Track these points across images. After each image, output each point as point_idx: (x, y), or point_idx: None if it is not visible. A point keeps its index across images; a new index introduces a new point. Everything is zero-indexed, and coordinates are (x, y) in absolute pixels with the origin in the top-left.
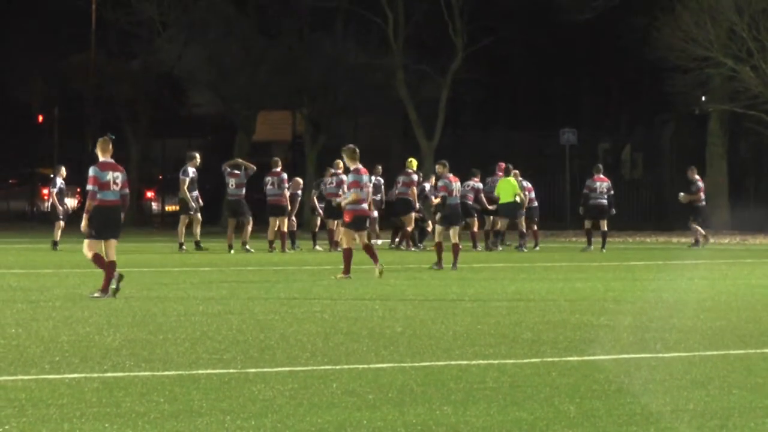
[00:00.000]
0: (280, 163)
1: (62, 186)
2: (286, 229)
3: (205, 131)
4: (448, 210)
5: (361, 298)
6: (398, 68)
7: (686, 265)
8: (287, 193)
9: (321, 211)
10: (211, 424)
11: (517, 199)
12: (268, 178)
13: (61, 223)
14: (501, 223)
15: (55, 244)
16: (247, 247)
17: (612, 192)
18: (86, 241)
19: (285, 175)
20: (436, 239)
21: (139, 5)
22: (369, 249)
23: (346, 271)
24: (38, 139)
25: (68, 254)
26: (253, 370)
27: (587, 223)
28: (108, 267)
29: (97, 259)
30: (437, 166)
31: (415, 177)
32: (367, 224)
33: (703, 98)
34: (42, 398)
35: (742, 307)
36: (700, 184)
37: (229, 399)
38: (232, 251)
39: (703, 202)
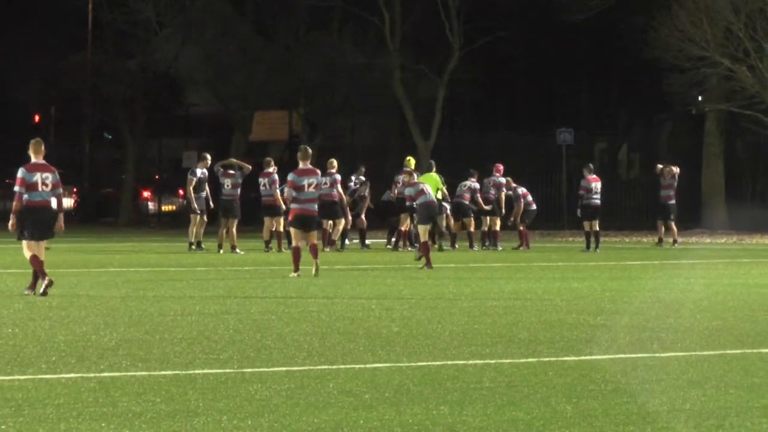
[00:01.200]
0: (272, 163)
1: None
2: (282, 229)
3: (202, 131)
4: (424, 208)
5: (357, 297)
6: (395, 68)
7: (683, 264)
8: (278, 194)
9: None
10: (208, 423)
11: (439, 195)
12: (261, 179)
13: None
14: (498, 224)
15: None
16: (237, 250)
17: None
18: (23, 242)
19: (276, 176)
20: (422, 239)
21: (136, 5)
22: (314, 248)
23: (296, 269)
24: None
25: (63, 254)
26: (249, 369)
27: (587, 225)
28: (41, 267)
29: (34, 259)
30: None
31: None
32: (313, 224)
33: (700, 98)
34: (39, 398)
35: (739, 306)
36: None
37: (225, 399)
38: (221, 251)
39: (673, 201)
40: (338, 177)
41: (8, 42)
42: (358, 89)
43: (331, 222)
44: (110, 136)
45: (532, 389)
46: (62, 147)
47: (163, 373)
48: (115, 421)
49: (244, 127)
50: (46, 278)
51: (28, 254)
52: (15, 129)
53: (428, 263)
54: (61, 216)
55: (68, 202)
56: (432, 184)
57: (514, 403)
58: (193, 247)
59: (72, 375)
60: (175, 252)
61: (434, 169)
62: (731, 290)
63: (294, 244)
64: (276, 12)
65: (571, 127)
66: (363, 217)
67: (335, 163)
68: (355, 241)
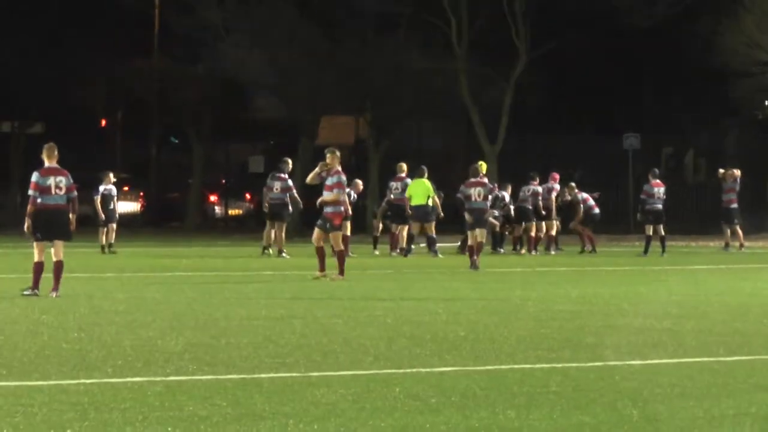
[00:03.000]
0: (404, 168)
1: (107, 192)
2: (348, 233)
3: (268, 136)
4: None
5: (424, 301)
6: (461, 72)
7: (749, 269)
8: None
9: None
10: (274, 427)
11: (430, 202)
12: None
13: (106, 227)
14: (554, 228)
15: (102, 248)
16: (284, 254)
17: (665, 196)
18: (35, 245)
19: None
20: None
21: (203, 10)
22: (321, 251)
23: (341, 272)
24: (101, 143)
25: (129, 258)
26: (315, 373)
27: (648, 229)
28: (45, 270)
29: (37, 266)
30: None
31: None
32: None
33: (767, 103)
34: (104, 402)
35: None
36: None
37: (291, 403)
38: (268, 252)
39: (735, 204)
40: (409, 181)
41: (75, 46)
42: (424, 94)
43: (400, 226)
44: (176, 141)
45: (599, 393)
46: (129, 151)
47: (229, 377)
48: (181, 425)
49: (311, 131)
50: (36, 289)
51: (35, 257)
52: (82, 133)
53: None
54: (74, 218)
55: (135, 207)
56: (422, 191)
57: (581, 408)
58: (268, 251)
59: (138, 379)
60: (241, 256)
61: (426, 175)
62: None
63: (318, 245)
64: (343, 16)
65: (636, 132)
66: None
67: (405, 167)
68: (422, 245)
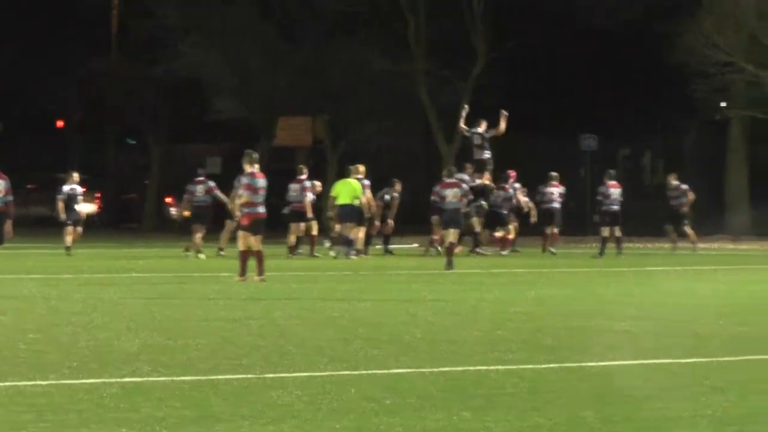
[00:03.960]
0: (305, 170)
1: (72, 192)
2: (314, 233)
3: (226, 137)
4: (444, 215)
5: (380, 303)
6: (420, 73)
7: (705, 270)
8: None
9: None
10: (230, 429)
11: (356, 202)
12: (293, 185)
13: (71, 228)
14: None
15: (67, 249)
16: (201, 255)
17: (622, 198)
18: None
19: (307, 183)
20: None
21: (162, 11)
22: (258, 254)
23: (242, 273)
24: (58, 144)
25: (86, 260)
26: (272, 375)
27: (604, 231)
28: None
29: None
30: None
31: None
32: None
33: (724, 104)
34: (61, 403)
35: (762, 312)
36: (684, 187)
37: (247, 404)
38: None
39: (685, 208)
40: (366, 182)
41: (34, 46)
42: (382, 95)
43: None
44: (134, 142)
45: (555, 395)
46: (86, 152)
47: (185, 378)
48: (137, 426)
49: (269, 132)
50: None
51: None
52: (39, 133)
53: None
54: (10, 222)
55: (92, 208)
56: (348, 191)
57: (537, 409)
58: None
59: (94, 380)
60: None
61: (353, 175)
62: (754, 296)
63: (244, 248)
64: (301, 17)
65: (594, 133)
66: (391, 221)
67: (362, 168)
68: (378, 246)
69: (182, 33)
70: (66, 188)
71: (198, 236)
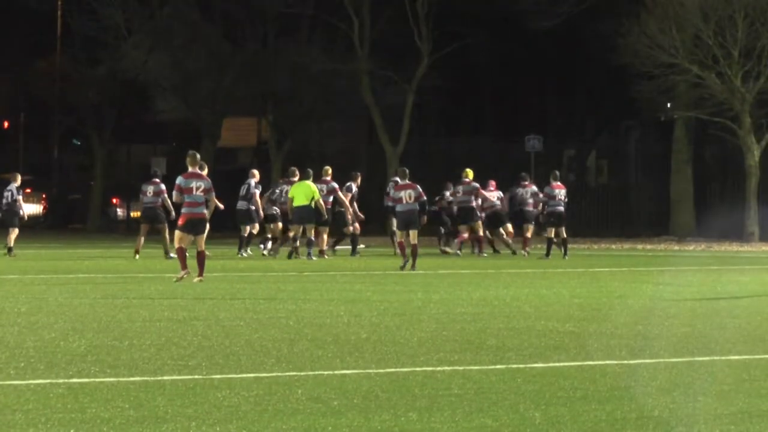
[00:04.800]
0: (296, 172)
1: (14, 192)
2: (312, 235)
3: (170, 137)
4: (400, 216)
5: (326, 303)
6: (364, 74)
7: (651, 271)
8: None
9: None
10: (176, 430)
11: (312, 204)
12: (285, 187)
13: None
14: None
15: (9, 250)
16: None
17: (566, 199)
18: None
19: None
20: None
21: (105, 11)
22: (200, 255)
23: (182, 267)
24: (3, 145)
25: (31, 260)
26: (218, 376)
27: (550, 232)
28: None
29: None
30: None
31: (476, 185)
32: (202, 228)
33: (669, 105)
34: (7, 404)
35: (707, 314)
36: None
37: (194, 405)
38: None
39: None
40: (335, 185)
41: None
42: (326, 95)
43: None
44: (78, 143)
45: (501, 396)
46: (31, 153)
47: (131, 379)
48: (84, 427)
49: (213, 133)
50: None
51: None
52: None
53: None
54: None
55: (37, 209)
56: (304, 192)
57: (483, 410)
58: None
59: (41, 381)
60: (143, 258)
61: (311, 178)
62: (700, 297)
63: (178, 245)
64: (244, 18)
65: (539, 134)
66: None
67: (330, 170)
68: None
69: (125, 33)
70: (14, 187)
71: (142, 238)
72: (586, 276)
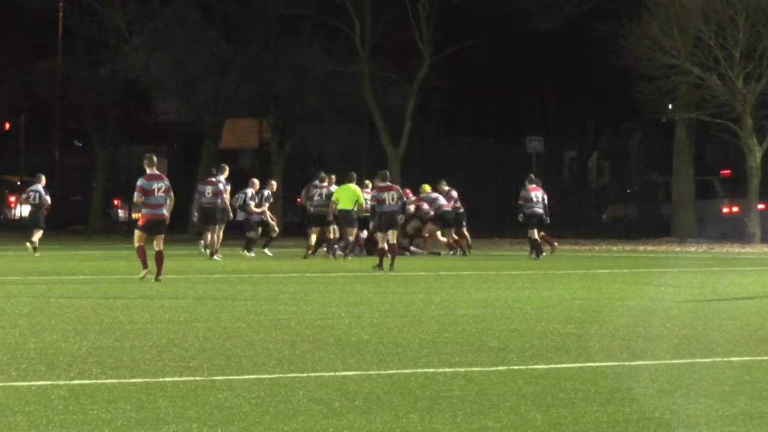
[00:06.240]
0: (326, 178)
1: (42, 192)
2: (332, 236)
3: (172, 139)
4: (383, 217)
5: (327, 305)
6: (365, 76)
7: (652, 273)
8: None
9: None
10: (178, 431)
11: (356, 207)
12: (316, 190)
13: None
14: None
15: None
16: (216, 257)
17: (546, 201)
18: None
19: (335, 187)
20: (380, 245)
21: (106, 12)
22: (159, 255)
23: (144, 266)
24: (5, 146)
25: (33, 261)
26: (219, 377)
27: (532, 233)
28: None
29: None
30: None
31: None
32: (161, 228)
33: (670, 106)
34: (8, 405)
35: (708, 315)
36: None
37: (195, 407)
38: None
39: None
40: (334, 188)
41: None
42: (327, 97)
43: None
44: (80, 144)
45: (502, 398)
46: (32, 155)
47: (133, 380)
48: (85, 429)
49: (214, 135)
50: None
51: None
52: None
53: (380, 264)
54: None
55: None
56: (349, 195)
57: (484, 412)
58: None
59: (42, 382)
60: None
61: (354, 181)
62: (701, 299)
63: (138, 244)
64: (246, 19)
65: (540, 135)
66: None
67: (333, 177)
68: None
69: (127, 35)
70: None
71: (209, 236)
72: (587, 277)
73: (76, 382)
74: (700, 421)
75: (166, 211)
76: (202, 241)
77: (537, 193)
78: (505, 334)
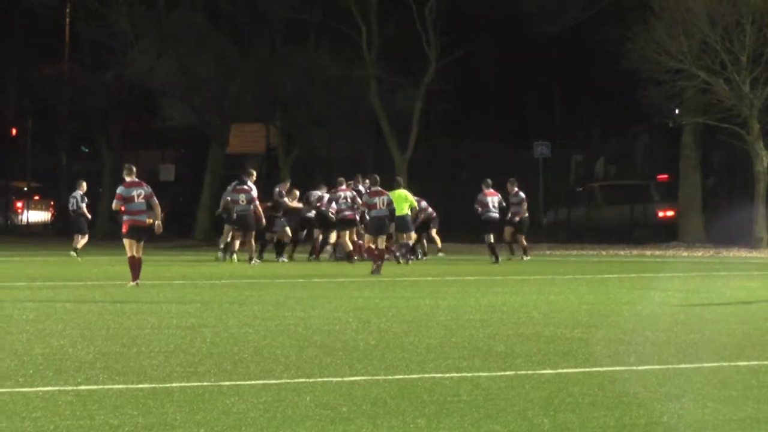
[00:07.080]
0: (344, 181)
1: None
2: (355, 238)
3: (178, 143)
4: (373, 222)
5: (334, 310)
6: (372, 80)
7: (660, 278)
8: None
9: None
10: None
11: (410, 212)
12: (341, 194)
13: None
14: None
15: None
16: (254, 261)
17: (504, 205)
18: None
19: (360, 190)
20: (366, 245)
21: (113, 17)
22: (137, 261)
23: (134, 277)
24: (11, 151)
25: (40, 267)
26: (226, 383)
27: (488, 238)
28: None
29: None
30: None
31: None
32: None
33: (677, 110)
34: (16, 411)
35: (716, 320)
36: (522, 195)
37: (203, 412)
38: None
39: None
40: (349, 194)
41: None
42: (334, 101)
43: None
44: (86, 149)
45: (509, 402)
46: (39, 160)
47: (140, 386)
48: None
49: (221, 139)
50: None
51: None
52: None
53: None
54: None
55: (45, 215)
56: (401, 201)
57: (491, 417)
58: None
59: (49, 388)
60: (152, 265)
61: (402, 186)
62: (708, 303)
63: (130, 254)
64: (252, 23)
65: (546, 139)
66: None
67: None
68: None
69: (133, 39)
70: (79, 194)
71: (237, 242)
72: (594, 282)
73: (83, 387)
74: (708, 425)
75: (146, 218)
76: (221, 244)
77: (493, 198)
78: (513, 339)
